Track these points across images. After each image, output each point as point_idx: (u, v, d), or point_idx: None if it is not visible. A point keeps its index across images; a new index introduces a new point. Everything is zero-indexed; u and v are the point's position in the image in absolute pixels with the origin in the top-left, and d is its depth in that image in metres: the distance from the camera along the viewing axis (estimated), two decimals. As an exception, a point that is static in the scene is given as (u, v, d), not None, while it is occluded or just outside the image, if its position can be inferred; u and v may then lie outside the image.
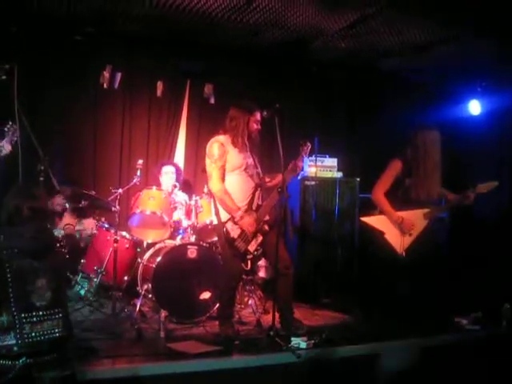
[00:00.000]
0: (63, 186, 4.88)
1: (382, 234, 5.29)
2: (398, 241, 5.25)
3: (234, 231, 4.85)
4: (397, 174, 5.30)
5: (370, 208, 5.47)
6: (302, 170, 6.82)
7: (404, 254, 5.24)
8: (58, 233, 6.10)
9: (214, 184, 4.85)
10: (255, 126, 4.99)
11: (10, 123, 4.39)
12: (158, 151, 7.30)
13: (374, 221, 5.36)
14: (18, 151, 4.53)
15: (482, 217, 7.61)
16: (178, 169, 6.64)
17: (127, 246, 5.99)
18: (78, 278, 6.10)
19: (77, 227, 6.13)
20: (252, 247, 4.92)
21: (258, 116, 4.98)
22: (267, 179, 5.17)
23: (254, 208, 4.96)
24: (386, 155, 5.51)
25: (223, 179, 4.88)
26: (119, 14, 6.17)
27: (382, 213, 5.34)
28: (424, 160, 5.23)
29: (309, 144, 5.15)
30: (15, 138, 4.42)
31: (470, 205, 5.32)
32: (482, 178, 5.32)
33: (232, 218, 4.84)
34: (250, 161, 5.01)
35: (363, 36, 6.61)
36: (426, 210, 5.30)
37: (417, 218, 5.27)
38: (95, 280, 5.89)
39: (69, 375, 3.21)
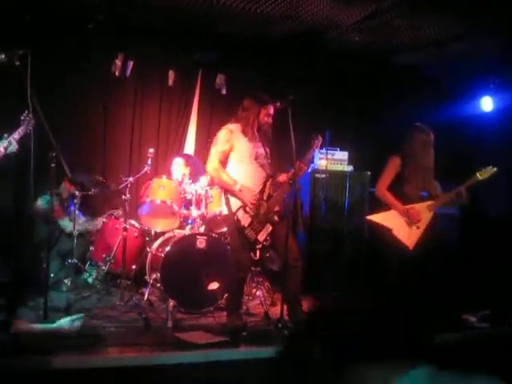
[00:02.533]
0: (74, 173, 4.90)
1: (389, 230, 5.28)
2: (406, 236, 5.25)
3: (245, 220, 4.86)
4: (396, 169, 5.31)
5: (380, 202, 5.45)
6: (313, 162, 6.83)
7: (413, 248, 5.23)
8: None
9: (210, 164, 4.95)
10: (266, 119, 4.99)
11: (26, 112, 4.40)
12: (168, 140, 7.30)
13: (380, 218, 5.35)
14: (29, 139, 4.54)
15: (492, 214, 7.58)
16: (189, 158, 6.63)
17: (136, 234, 6.02)
18: (87, 266, 6.14)
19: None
20: (261, 237, 4.92)
21: (270, 110, 4.99)
22: (280, 177, 5.16)
23: (265, 198, 4.96)
24: (396, 150, 5.49)
25: (224, 165, 4.92)
26: (132, 3, 6.15)
27: (388, 208, 5.34)
28: (413, 159, 5.25)
29: (320, 138, 5.14)
30: (30, 128, 4.43)
31: (465, 203, 5.33)
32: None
33: (243, 207, 4.84)
34: (261, 151, 5.02)
35: (377, 30, 6.57)
36: (428, 203, 5.30)
37: (421, 211, 5.27)
38: (103, 268, 5.92)
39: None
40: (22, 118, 4.49)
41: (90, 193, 6.06)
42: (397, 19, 6.20)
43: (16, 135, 4.58)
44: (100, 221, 6.32)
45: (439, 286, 5.82)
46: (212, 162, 4.93)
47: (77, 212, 6.05)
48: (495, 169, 5.23)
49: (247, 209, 4.86)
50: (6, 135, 4.57)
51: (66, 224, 6.17)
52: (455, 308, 5.61)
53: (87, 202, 6.52)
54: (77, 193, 5.94)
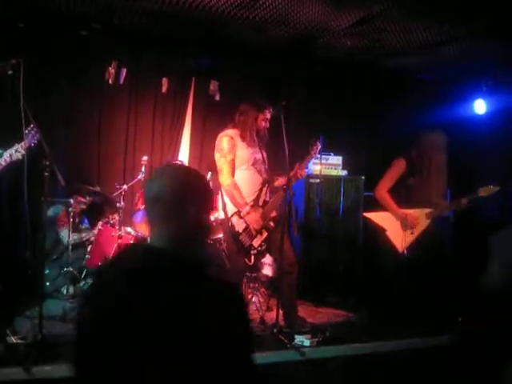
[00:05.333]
0: (68, 182, 4.89)
1: (383, 231, 5.29)
2: (399, 239, 5.26)
3: (239, 225, 4.86)
4: (401, 172, 5.31)
5: (375, 206, 5.46)
6: (307, 168, 6.83)
7: (405, 252, 5.24)
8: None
9: (224, 178, 4.88)
10: (263, 124, 5.02)
11: (31, 126, 4.38)
12: (162, 148, 7.28)
13: (377, 217, 5.36)
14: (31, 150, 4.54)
15: (487, 217, 7.58)
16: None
17: (132, 242, 6.00)
18: (83, 274, 6.14)
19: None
20: (256, 242, 4.93)
21: (267, 114, 5.01)
22: (276, 179, 5.18)
23: (260, 204, 4.96)
24: (391, 154, 5.50)
25: (233, 173, 4.91)
26: (125, 10, 6.16)
27: (385, 210, 5.34)
28: (427, 163, 5.24)
29: (319, 143, 5.14)
30: (35, 141, 4.42)
31: (465, 209, 5.32)
32: (488, 179, 5.30)
33: (238, 213, 4.85)
34: (259, 156, 5.03)
35: (369, 34, 6.58)
36: (428, 210, 5.30)
37: (419, 217, 5.27)
38: (99, 276, 5.90)
39: None
40: (27, 131, 4.45)
41: (84, 200, 6.12)
42: (388, 24, 6.21)
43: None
44: (96, 229, 6.32)
45: (435, 288, 5.83)
46: (226, 177, 4.89)
47: (85, 221, 6.17)
48: (497, 188, 5.22)
49: (242, 214, 4.86)
50: (16, 144, 4.54)
51: (65, 234, 6.16)
52: (452, 310, 5.62)
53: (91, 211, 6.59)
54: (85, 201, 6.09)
